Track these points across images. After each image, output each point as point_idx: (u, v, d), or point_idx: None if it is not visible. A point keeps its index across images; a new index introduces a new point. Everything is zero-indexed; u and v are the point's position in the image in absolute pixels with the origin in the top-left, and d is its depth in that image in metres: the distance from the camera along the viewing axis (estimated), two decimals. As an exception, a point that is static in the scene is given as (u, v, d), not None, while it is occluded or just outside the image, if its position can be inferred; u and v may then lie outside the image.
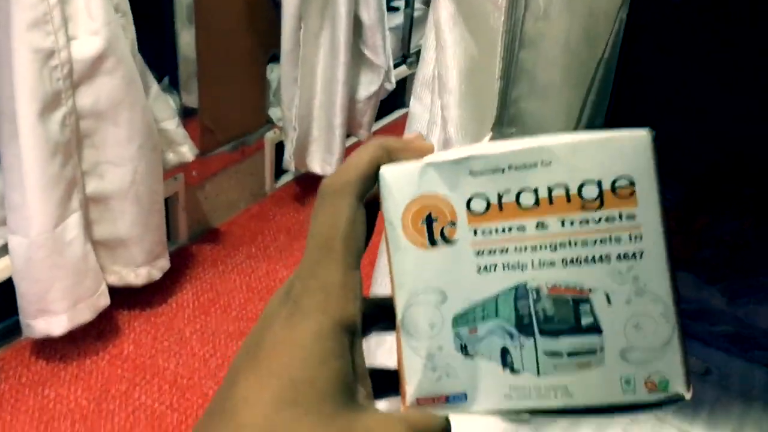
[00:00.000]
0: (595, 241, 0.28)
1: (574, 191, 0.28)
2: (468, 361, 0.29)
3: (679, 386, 0.27)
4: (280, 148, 2.14)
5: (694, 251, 1.02)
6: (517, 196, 0.28)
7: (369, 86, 2.08)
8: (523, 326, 0.28)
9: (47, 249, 1.28)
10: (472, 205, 0.29)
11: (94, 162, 1.37)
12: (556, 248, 0.28)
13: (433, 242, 0.29)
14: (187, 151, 1.60)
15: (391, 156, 0.30)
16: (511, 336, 0.28)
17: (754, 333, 0.96)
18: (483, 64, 0.72)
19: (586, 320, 0.28)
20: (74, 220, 1.32)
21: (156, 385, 1.42)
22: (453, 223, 0.29)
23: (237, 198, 2.08)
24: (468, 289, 0.29)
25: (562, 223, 0.28)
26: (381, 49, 2.02)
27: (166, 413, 1.36)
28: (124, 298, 1.58)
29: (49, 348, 1.47)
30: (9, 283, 1.34)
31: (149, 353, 1.50)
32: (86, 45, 1.26)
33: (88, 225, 1.40)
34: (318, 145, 2.02)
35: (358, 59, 2.02)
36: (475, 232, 0.29)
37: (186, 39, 1.68)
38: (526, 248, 0.28)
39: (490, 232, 0.29)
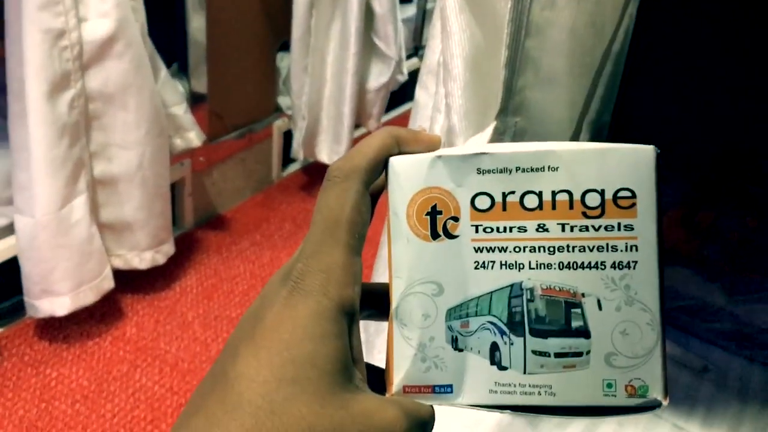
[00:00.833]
0: (593, 248, 0.29)
1: (577, 198, 0.29)
2: (457, 354, 0.29)
3: (657, 393, 0.28)
4: (288, 136, 2.14)
5: (696, 248, 1.02)
6: (522, 197, 0.29)
7: (379, 77, 2.08)
8: (515, 324, 0.29)
9: (52, 230, 1.28)
10: (477, 202, 0.29)
11: (102, 144, 1.38)
12: (554, 251, 0.29)
13: (435, 235, 0.30)
14: (194, 137, 1.61)
15: (400, 146, 0.30)
16: (502, 333, 0.29)
17: (753, 331, 0.96)
18: (489, 52, 0.72)
19: (576, 323, 0.29)
20: (80, 202, 1.33)
21: (157, 368, 1.43)
22: (456, 218, 0.29)
23: (243, 185, 2.09)
24: (464, 284, 0.29)
25: (563, 228, 0.29)
26: (393, 39, 2.01)
27: (166, 396, 1.37)
28: (128, 281, 1.59)
29: (52, 328, 1.48)
30: (14, 262, 1.35)
31: (151, 336, 1.51)
32: (96, 27, 1.26)
33: (94, 208, 1.40)
34: (326, 135, 2.02)
35: (369, 49, 2.02)
36: (477, 229, 0.29)
37: (196, 24, 1.68)
38: (524, 249, 0.29)
39: (492, 230, 0.29)
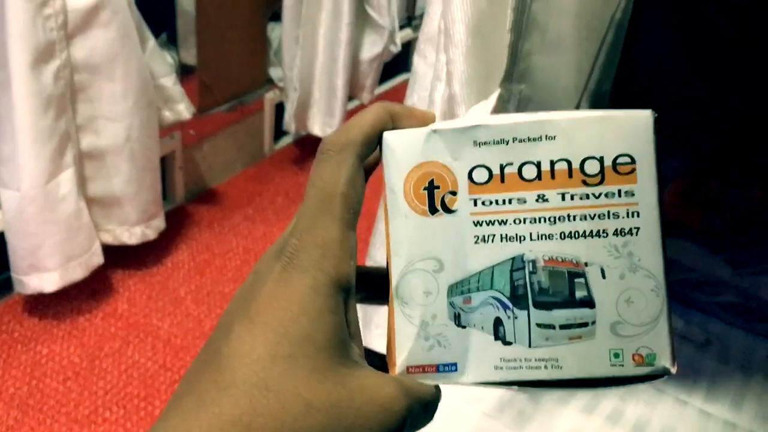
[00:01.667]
0: (594, 216, 0.28)
1: (576, 166, 0.28)
2: (460, 330, 0.29)
3: (665, 360, 0.28)
4: (280, 109, 2.10)
5: (699, 220, 1.00)
6: (520, 168, 0.29)
7: (372, 48, 2.05)
8: (518, 298, 0.29)
9: (39, 204, 1.25)
10: (474, 175, 0.29)
11: (89, 117, 1.34)
12: (555, 221, 0.28)
13: (433, 210, 0.29)
14: (183, 110, 1.57)
15: (394, 121, 0.29)
16: (505, 307, 0.29)
17: (757, 304, 0.95)
18: (492, 16, 0.69)
19: (580, 293, 0.28)
20: (67, 176, 1.30)
21: (149, 344, 1.41)
22: (454, 192, 0.29)
23: (235, 159, 2.06)
24: (465, 259, 0.29)
25: (563, 197, 0.28)
26: (386, 9, 1.98)
27: (159, 372, 1.35)
28: (119, 256, 1.57)
29: (42, 304, 1.46)
30: (2, 237, 1.32)
31: (143, 312, 1.49)
32: (81, -6, 1.22)
33: (82, 182, 1.37)
34: (319, 107, 1.99)
35: (362, 20, 1.98)
36: (475, 202, 0.29)
37: (185, -7, 1.64)
38: (525, 220, 0.29)
39: (491, 203, 0.29)
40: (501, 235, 0.29)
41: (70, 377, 1.32)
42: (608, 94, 0.82)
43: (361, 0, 1.93)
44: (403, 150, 0.29)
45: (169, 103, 1.55)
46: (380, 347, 0.85)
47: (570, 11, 0.61)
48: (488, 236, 0.29)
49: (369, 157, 0.29)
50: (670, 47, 1.02)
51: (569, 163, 0.28)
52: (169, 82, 1.53)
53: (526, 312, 0.29)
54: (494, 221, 0.29)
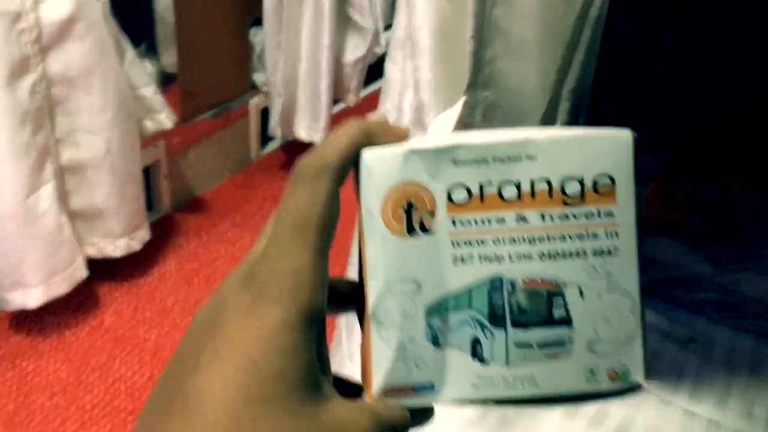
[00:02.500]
0: (573, 236, 0.28)
1: (556, 186, 0.28)
2: (438, 351, 0.29)
3: (638, 376, 0.29)
4: (265, 114, 2.09)
5: (680, 217, 1.00)
6: (500, 188, 0.28)
7: (356, 50, 2.04)
8: (496, 318, 0.29)
9: (19, 220, 1.25)
10: (453, 194, 0.29)
11: (68, 130, 1.34)
12: (534, 242, 0.28)
13: (411, 231, 0.29)
14: (165, 119, 1.57)
15: (370, 139, 0.28)
16: (483, 327, 0.29)
17: (740, 300, 0.94)
18: (456, 23, 0.68)
19: (558, 313, 0.29)
20: (47, 191, 1.29)
21: (137, 357, 1.41)
22: (432, 213, 0.29)
23: (221, 166, 2.05)
24: (443, 280, 0.29)
25: (542, 217, 0.28)
26: (368, 10, 1.97)
27: (146, 385, 1.35)
28: (105, 268, 1.56)
29: (28, 320, 1.45)
30: (-16, 254, 1.31)
31: (130, 324, 1.48)
32: (55, 7, 1.22)
33: (64, 195, 1.37)
34: (304, 112, 1.98)
35: (344, 22, 1.97)
36: (454, 223, 0.29)
37: (163, 0, 1.63)
38: (504, 240, 0.29)
39: (469, 223, 0.29)
40: (479, 255, 0.29)
41: (57, 392, 1.31)
42: (588, 92, 0.81)
43: (342, 2, 1.92)
44: (380, 170, 0.29)
45: (150, 113, 1.54)
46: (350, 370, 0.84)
47: (532, 16, 0.60)
48: (467, 256, 0.29)
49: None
50: (646, 43, 1.02)
51: (549, 183, 0.28)
52: (149, 92, 1.52)
53: (504, 331, 0.29)
54: (473, 241, 0.29)
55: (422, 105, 0.71)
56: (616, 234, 0.28)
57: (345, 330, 0.83)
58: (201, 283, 1.62)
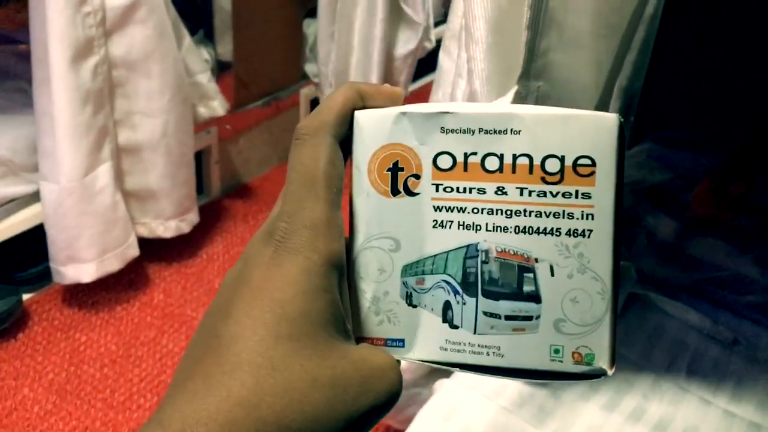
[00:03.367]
0: (549, 214, 0.29)
1: (537, 163, 0.29)
2: (411, 309, 0.30)
3: (603, 362, 0.29)
4: (315, 104, 2.12)
5: (728, 219, 0.99)
6: (483, 158, 0.29)
7: (407, 44, 2.04)
8: (468, 285, 0.29)
9: (77, 197, 1.29)
10: (439, 161, 0.29)
11: (126, 112, 1.38)
12: (511, 215, 0.29)
13: (395, 191, 0.30)
14: (218, 106, 1.60)
15: (364, 100, 0.30)
16: (456, 292, 0.30)
17: (788, 305, 0.93)
18: (512, 13, 0.69)
19: (527, 288, 0.29)
20: (105, 170, 1.33)
21: (184, 334, 1.44)
22: (417, 176, 0.30)
23: (270, 153, 2.08)
24: (421, 242, 0.30)
25: (521, 192, 0.29)
26: (420, 5, 1.97)
27: (191, 362, 1.38)
28: (155, 248, 1.60)
29: (81, 293, 1.50)
30: (41, 229, 1.36)
31: (178, 303, 1.52)
32: (119, -7, 1.25)
33: (119, 175, 1.41)
34: (353, 103, 2.00)
35: (396, 16, 1.98)
36: (437, 188, 0.30)
37: (221, -10, 1.66)
38: (483, 210, 0.29)
39: (452, 190, 0.29)
40: (459, 222, 0.29)
41: (106, 364, 1.36)
42: (640, 90, 0.81)
43: (396, -4, 1.93)
44: (371, 130, 0.30)
45: (203, 100, 1.58)
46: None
47: (588, 8, 0.61)
48: (446, 222, 0.29)
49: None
50: (703, 47, 1.01)
51: (531, 158, 0.29)
52: (204, 78, 1.56)
53: (474, 299, 0.29)
54: (453, 208, 0.29)
55: (474, 94, 0.72)
56: (592, 216, 0.28)
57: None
58: (247, 267, 1.65)
